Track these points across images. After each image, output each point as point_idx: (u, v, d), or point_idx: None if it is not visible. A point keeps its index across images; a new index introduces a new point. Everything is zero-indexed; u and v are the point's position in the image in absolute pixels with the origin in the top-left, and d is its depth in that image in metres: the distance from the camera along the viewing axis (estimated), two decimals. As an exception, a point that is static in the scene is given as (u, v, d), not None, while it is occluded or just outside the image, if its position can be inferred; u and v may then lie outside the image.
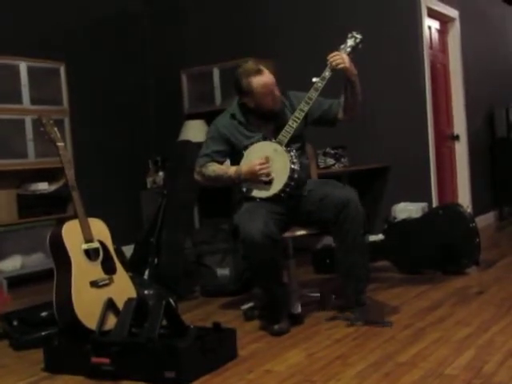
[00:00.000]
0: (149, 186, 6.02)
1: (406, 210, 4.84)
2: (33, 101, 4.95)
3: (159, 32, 6.40)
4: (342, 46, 3.18)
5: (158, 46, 6.41)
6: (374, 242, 4.27)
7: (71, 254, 2.82)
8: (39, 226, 5.06)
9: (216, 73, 5.79)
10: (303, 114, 3.14)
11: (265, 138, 3.21)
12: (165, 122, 6.35)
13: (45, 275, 4.98)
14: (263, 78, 3.15)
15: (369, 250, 3.21)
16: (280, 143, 3.14)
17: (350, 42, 3.18)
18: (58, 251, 2.83)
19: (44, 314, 3.22)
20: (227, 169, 3.26)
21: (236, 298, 3.89)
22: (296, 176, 3.10)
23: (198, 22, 6.19)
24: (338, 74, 3.15)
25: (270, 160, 3.12)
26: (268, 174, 3.11)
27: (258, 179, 3.12)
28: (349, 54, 3.15)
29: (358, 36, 3.19)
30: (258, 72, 3.16)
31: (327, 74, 3.12)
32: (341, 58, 3.10)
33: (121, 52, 6.13)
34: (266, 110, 3.22)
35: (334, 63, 3.10)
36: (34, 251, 5.03)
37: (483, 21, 6.81)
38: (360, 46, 3.19)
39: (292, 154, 3.13)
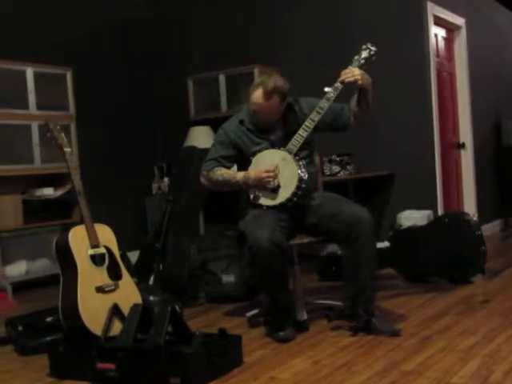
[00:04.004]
0: (154, 191, 6.02)
1: (412, 217, 4.85)
2: (39, 106, 4.96)
3: (166, 38, 6.41)
4: (356, 57, 3.16)
5: (164, 52, 6.42)
6: (380, 250, 4.24)
7: (77, 259, 2.82)
8: (44, 231, 5.07)
9: (222, 79, 5.82)
10: (314, 124, 3.13)
11: (273, 145, 3.21)
12: (170, 127, 6.35)
13: (49, 281, 5.00)
14: (254, 95, 3.16)
15: (375, 269, 3.20)
16: (289, 152, 3.13)
17: (365, 54, 3.16)
18: (65, 256, 2.84)
19: (49, 319, 3.22)
20: (235, 174, 3.26)
21: (241, 304, 3.89)
22: (304, 185, 3.10)
23: (205, 28, 6.22)
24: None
25: (278, 168, 3.12)
26: (274, 182, 3.11)
27: (265, 186, 3.12)
28: (362, 66, 3.14)
29: (373, 48, 3.17)
30: (256, 87, 3.15)
31: (339, 84, 3.11)
32: (351, 74, 3.07)
33: (127, 58, 6.14)
34: (257, 124, 3.24)
35: (344, 79, 3.09)
36: (39, 257, 5.03)
37: (490, 29, 6.81)
38: (374, 57, 3.17)
39: (301, 163, 3.13)
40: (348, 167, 5.13)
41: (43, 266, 5.03)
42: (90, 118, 5.54)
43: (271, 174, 3.10)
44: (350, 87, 3.15)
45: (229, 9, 6.10)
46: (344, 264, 3.14)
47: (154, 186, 6.04)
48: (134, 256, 4.21)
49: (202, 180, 3.37)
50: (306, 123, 3.14)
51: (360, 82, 3.07)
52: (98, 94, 5.77)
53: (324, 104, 3.13)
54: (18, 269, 4.85)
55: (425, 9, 5.32)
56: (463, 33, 6.16)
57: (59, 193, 5.09)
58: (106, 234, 2.99)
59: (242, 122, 3.31)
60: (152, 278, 3.84)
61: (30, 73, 4.91)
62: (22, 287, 4.84)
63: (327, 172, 5.09)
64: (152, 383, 2.46)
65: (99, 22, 5.86)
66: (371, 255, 3.07)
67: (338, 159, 5.10)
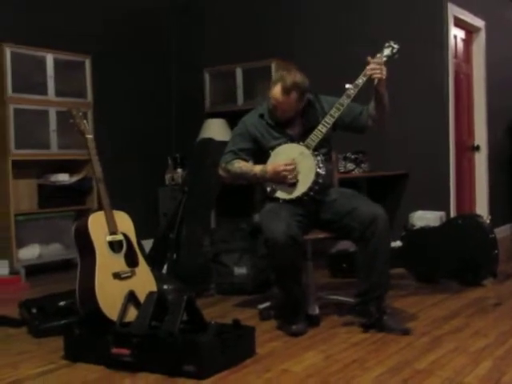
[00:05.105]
0: (167, 182, 6.05)
1: (424, 218, 4.85)
2: (57, 93, 5.00)
3: (183, 29, 6.43)
4: (379, 55, 3.14)
5: (181, 43, 6.45)
6: (392, 249, 4.25)
7: (96, 244, 2.85)
8: (58, 216, 5.12)
9: (239, 72, 5.82)
10: (333, 120, 3.15)
11: (292, 140, 3.23)
12: (185, 119, 6.38)
13: (61, 265, 5.05)
14: (273, 91, 3.18)
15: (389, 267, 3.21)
16: (308, 147, 3.15)
17: (387, 52, 3.15)
18: (83, 241, 2.87)
19: (62, 303, 3.26)
20: (253, 167, 3.29)
21: (252, 297, 3.91)
22: (321, 180, 3.12)
23: (223, 20, 6.22)
24: (370, 82, 3.14)
25: (296, 162, 3.14)
26: (292, 176, 3.13)
27: (282, 180, 3.14)
28: (384, 64, 3.15)
29: (395, 46, 3.17)
30: (275, 83, 3.18)
31: (360, 81, 3.11)
32: (381, 70, 3.07)
33: (145, 48, 6.16)
34: (274, 116, 3.27)
35: (371, 71, 3.09)
36: (52, 241, 5.08)
37: (509, 31, 6.78)
38: (396, 56, 3.17)
39: (319, 158, 3.14)
40: (362, 165, 5.13)
41: (56, 250, 5.07)
42: (106, 107, 5.56)
43: (289, 167, 3.12)
44: (368, 88, 3.15)
45: (248, 1, 6.10)
46: (358, 261, 3.16)
47: (168, 177, 6.06)
48: (145, 245, 4.23)
49: (220, 171, 3.39)
50: (325, 119, 3.16)
51: (384, 78, 3.08)
52: (115, 84, 5.80)
53: (344, 100, 3.14)
54: (31, 252, 4.90)
55: (445, 10, 5.30)
56: (482, 35, 6.15)
57: (74, 179, 5.14)
58: (124, 222, 3.02)
59: (262, 116, 3.34)
60: (165, 267, 3.87)
61: (49, 59, 4.94)
62: (34, 271, 4.88)
63: (341, 169, 5.09)
64: (166, 370, 2.48)
65: (119, 12, 5.90)
66: (385, 253, 3.09)
67: (352, 157, 5.11)
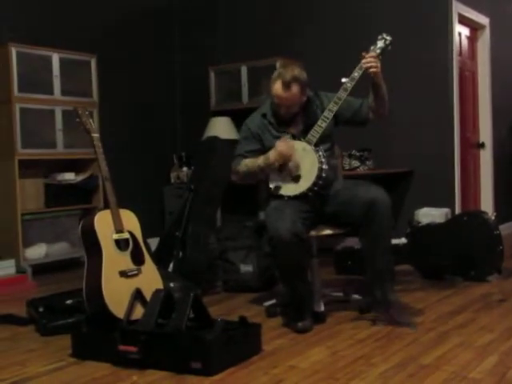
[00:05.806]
0: (172, 180, 6.07)
1: (429, 214, 4.86)
2: (63, 92, 5.01)
3: (188, 28, 6.44)
4: (372, 47, 3.20)
5: (186, 42, 6.46)
6: (397, 246, 4.27)
7: (102, 243, 2.86)
8: (64, 215, 5.14)
9: (244, 71, 5.83)
10: (332, 114, 3.18)
11: (294, 138, 3.25)
12: (191, 118, 6.40)
13: (68, 264, 5.07)
14: (274, 88, 3.19)
15: (392, 253, 3.23)
16: (309, 142, 3.18)
17: (380, 44, 3.20)
18: (90, 240, 2.88)
19: (69, 301, 3.28)
20: (256, 159, 3.29)
21: (258, 294, 3.92)
22: (324, 175, 3.14)
23: (228, 19, 6.23)
24: (366, 74, 3.17)
25: (299, 159, 3.17)
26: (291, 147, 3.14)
27: (288, 156, 3.14)
28: (378, 56, 3.18)
29: (388, 38, 3.21)
30: (275, 80, 3.19)
31: (356, 74, 3.15)
32: (375, 62, 3.11)
33: (150, 47, 6.18)
34: (279, 115, 3.28)
35: (367, 65, 3.12)
36: (59, 240, 5.10)
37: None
38: (389, 47, 3.21)
39: (321, 153, 3.17)
40: (367, 162, 5.14)
41: (62, 249, 5.09)
42: (112, 106, 5.58)
43: (290, 143, 3.14)
44: (366, 81, 3.17)
45: (254, 0, 6.12)
46: (362, 248, 3.20)
47: (173, 175, 6.08)
48: (151, 243, 4.24)
49: (233, 177, 3.43)
50: (324, 114, 3.20)
51: (378, 72, 3.11)
52: (121, 82, 5.82)
53: (341, 94, 3.18)
54: (37, 251, 4.92)
55: (450, 7, 5.30)
56: (487, 32, 6.14)
57: (80, 178, 5.16)
58: (130, 220, 3.03)
59: (264, 115, 3.36)
60: (171, 265, 3.88)
61: (55, 58, 4.96)
62: (41, 270, 4.91)
63: (346, 166, 5.10)
64: (173, 367, 2.50)
65: (124, 10, 5.91)
66: (387, 238, 3.14)
67: (357, 154, 5.12)
